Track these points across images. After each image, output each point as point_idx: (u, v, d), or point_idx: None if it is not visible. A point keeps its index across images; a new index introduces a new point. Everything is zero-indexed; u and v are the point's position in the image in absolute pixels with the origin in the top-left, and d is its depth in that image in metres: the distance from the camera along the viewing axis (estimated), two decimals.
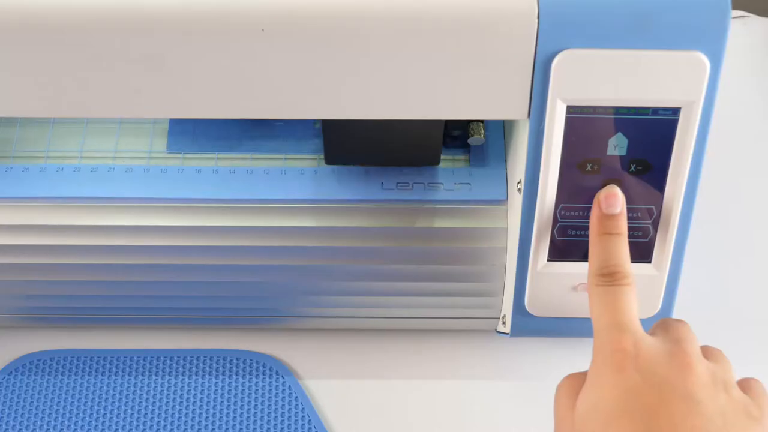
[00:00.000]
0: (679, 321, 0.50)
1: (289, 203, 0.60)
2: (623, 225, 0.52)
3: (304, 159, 0.61)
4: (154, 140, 0.62)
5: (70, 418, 0.62)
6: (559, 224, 0.55)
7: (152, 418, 0.62)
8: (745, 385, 0.49)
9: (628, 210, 0.54)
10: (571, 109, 0.51)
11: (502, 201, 0.60)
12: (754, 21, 0.84)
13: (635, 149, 0.52)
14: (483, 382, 0.64)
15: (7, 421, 0.61)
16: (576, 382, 0.49)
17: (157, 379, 0.63)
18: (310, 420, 0.62)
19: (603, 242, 0.52)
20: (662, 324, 0.50)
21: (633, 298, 0.50)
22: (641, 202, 0.54)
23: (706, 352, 0.49)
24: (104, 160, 0.61)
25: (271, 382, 0.63)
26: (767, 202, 0.73)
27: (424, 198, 0.60)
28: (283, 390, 0.63)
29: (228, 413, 0.62)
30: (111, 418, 0.62)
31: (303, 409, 0.62)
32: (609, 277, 0.50)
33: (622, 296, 0.50)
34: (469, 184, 0.60)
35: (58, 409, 0.62)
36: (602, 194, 0.53)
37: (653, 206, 0.54)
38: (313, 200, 0.60)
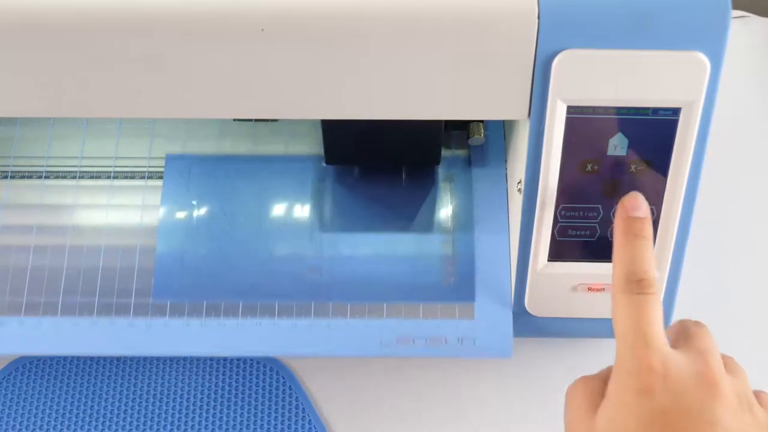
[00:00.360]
0: (698, 325, 0.48)
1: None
2: (649, 229, 0.50)
3: (297, 306, 0.59)
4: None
5: (70, 418, 0.62)
6: (559, 224, 0.55)
7: (152, 418, 0.62)
8: (760, 398, 0.47)
9: None
10: (571, 109, 0.51)
11: (507, 356, 0.58)
12: (754, 21, 0.84)
13: (635, 149, 0.52)
14: (483, 382, 0.64)
15: (7, 422, 0.61)
16: (592, 389, 0.47)
17: (157, 379, 0.63)
18: (310, 420, 0.62)
19: (629, 244, 0.49)
20: (682, 331, 0.48)
21: (659, 308, 0.47)
22: None
23: (725, 363, 0.47)
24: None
25: (271, 382, 0.63)
26: (767, 202, 0.73)
27: (425, 354, 0.58)
28: (283, 390, 0.63)
29: (228, 413, 0.62)
30: (111, 418, 0.62)
31: (303, 409, 0.62)
32: (636, 284, 0.47)
33: (649, 307, 0.47)
34: (473, 339, 0.58)
35: (57, 410, 0.62)
36: (626, 199, 0.50)
37: (653, 206, 0.54)
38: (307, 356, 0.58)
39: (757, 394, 0.48)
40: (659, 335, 0.46)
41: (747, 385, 0.47)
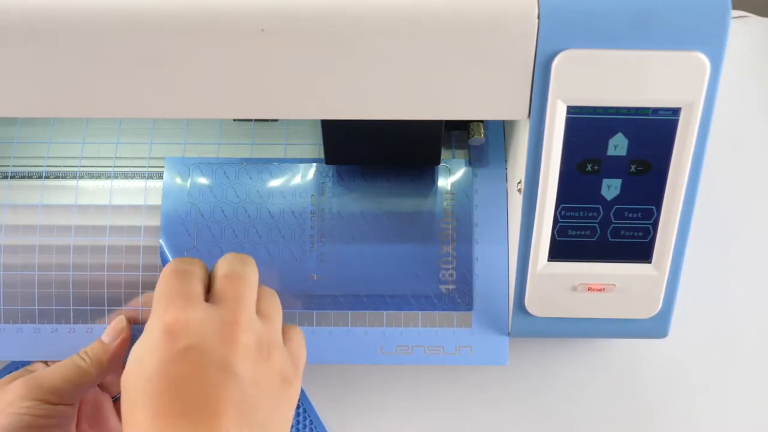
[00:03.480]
0: (234, 275, 0.51)
1: None
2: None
3: (299, 315, 0.60)
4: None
5: None
6: (559, 224, 0.55)
7: None
8: (286, 336, 0.51)
9: (629, 210, 0.54)
10: (571, 110, 0.51)
11: (503, 365, 0.59)
12: (754, 21, 0.84)
13: (635, 149, 0.52)
14: (483, 383, 0.64)
15: None
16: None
17: None
18: (311, 421, 0.62)
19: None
20: (223, 278, 0.51)
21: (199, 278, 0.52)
22: (641, 202, 0.54)
23: (260, 306, 0.51)
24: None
25: None
26: (767, 202, 0.73)
27: (424, 362, 0.59)
28: None
29: None
30: None
31: (304, 410, 0.62)
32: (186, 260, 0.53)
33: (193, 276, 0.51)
34: (470, 347, 0.59)
35: None
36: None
37: (653, 206, 0.54)
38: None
39: (287, 329, 0.52)
40: (196, 292, 0.50)
41: (273, 331, 0.51)
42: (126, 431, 0.47)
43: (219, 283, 0.51)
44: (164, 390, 0.46)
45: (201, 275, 0.52)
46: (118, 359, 0.57)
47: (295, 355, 0.51)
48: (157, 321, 0.49)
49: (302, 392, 0.63)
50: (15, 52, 0.49)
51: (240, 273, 0.52)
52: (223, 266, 0.52)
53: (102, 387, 0.58)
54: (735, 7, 0.49)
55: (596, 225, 0.55)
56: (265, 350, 0.49)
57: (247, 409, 0.46)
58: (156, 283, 0.59)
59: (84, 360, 0.55)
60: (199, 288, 0.51)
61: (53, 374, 0.54)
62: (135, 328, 0.59)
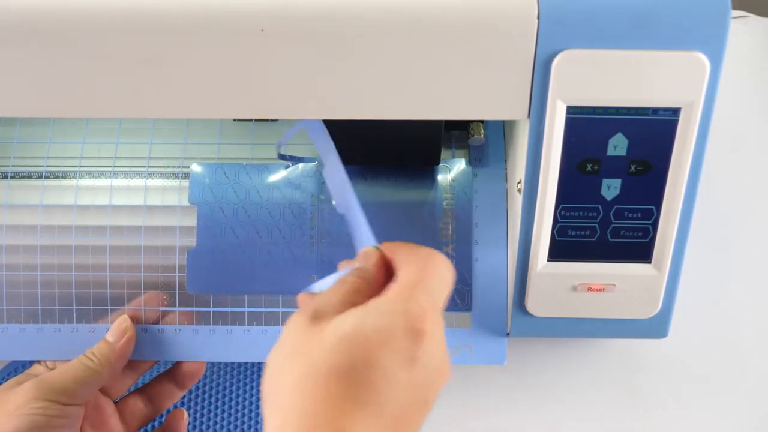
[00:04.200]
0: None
1: None
2: None
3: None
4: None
5: None
6: (559, 224, 0.55)
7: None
8: None
9: (629, 210, 0.54)
10: (571, 110, 0.51)
11: (502, 364, 0.59)
12: (754, 21, 0.84)
13: (635, 149, 0.52)
14: (483, 382, 0.64)
15: None
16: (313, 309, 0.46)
17: None
18: None
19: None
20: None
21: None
22: (641, 202, 0.54)
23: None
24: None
25: None
26: (767, 202, 0.73)
27: None
28: None
29: (228, 415, 0.62)
30: None
31: None
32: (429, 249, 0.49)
33: (440, 267, 0.48)
34: (469, 347, 0.59)
35: None
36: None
37: (653, 206, 0.54)
38: None
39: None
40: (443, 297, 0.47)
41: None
42: (290, 391, 0.43)
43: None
44: (379, 386, 0.43)
45: None
46: (124, 358, 0.57)
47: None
48: (407, 313, 0.44)
49: None
50: (15, 52, 0.49)
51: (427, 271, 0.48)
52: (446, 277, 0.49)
53: (102, 390, 0.58)
54: (735, 7, 0.49)
55: (596, 225, 0.55)
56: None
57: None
58: (157, 283, 0.59)
59: (92, 360, 0.56)
60: None
61: (63, 375, 0.55)
62: (138, 327, 0.59)
